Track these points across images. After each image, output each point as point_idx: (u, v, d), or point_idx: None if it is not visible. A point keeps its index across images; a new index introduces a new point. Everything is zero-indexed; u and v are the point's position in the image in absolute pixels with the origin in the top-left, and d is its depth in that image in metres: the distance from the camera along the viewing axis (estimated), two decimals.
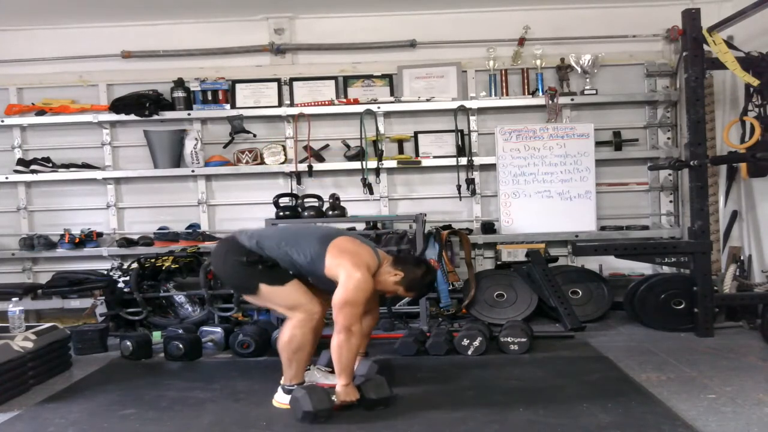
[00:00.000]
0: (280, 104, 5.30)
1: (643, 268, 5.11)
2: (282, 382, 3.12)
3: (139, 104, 5.13)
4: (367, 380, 3.02)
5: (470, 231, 5.18)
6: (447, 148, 5.28)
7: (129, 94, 5.20)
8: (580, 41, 5.23)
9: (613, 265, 5.09)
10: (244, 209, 5.35)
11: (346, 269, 2.94)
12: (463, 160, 5.19)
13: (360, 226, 5.01)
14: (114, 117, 5.23)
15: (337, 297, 2.91)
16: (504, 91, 5.28)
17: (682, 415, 2.79)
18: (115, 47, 5.31)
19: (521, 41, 5.22)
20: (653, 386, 3.17)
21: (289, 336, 3.00)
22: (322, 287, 3.13)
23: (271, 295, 3.04)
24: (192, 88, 5.26)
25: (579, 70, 5.15)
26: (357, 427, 2.80)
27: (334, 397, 2.90)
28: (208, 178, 5.38)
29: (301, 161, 5.21)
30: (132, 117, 5.17)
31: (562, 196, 5.15)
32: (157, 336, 4.31)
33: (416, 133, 5.32)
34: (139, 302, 4.69)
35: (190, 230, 5.22)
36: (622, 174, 5.34)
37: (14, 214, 5.40)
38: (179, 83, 5.23)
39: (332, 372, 3.39)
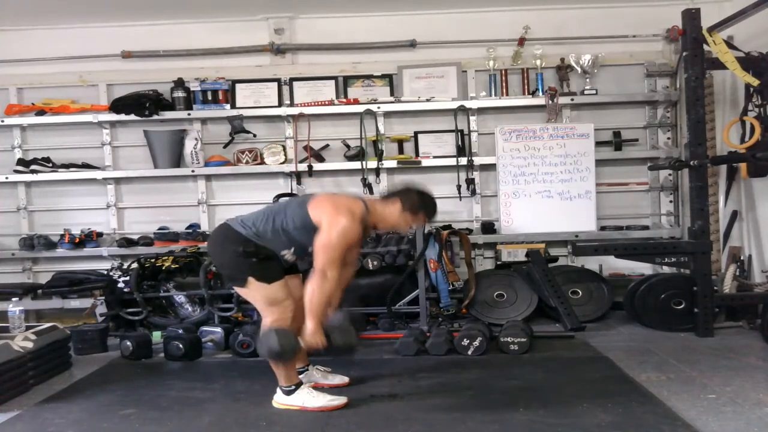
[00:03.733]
0: (280, 104, 5.30)
1: (643, 268, 5.10)
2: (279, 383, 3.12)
3: (139, 104, 5.13)
4: (335, 327, 2.99)
5: (470, 231, 5.18)
6: (447, 148, 5.28)
7: (129, 94, 5.20)
8: (580, 41, 5.22)
9: (613, 265, 5.08)
10: (244, 209, 5.24)
11: (328, 215, 2.96)
12: (463, 160, 5.19)
13: None
14: (114, 117, 5.23)
15: (318, 240, 2.92)
16: (504, 91, 5.28)
17: (682, 415, 2.79)
18: (115, 47, 5.31)
19: (521, 41, 5.22)
20: (653, 386, 3.17)
21: None
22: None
23: (256, 291, 3.02)
24: (192, 88, 5.26)
25: (579, 70, 5.15)
26: (357, 426, 2.80)
27: (301, 340, 2.91)
28: (208, 178, 5.38)
29: (301, 161, 5.21)
30: (132, 117, 5.17)
31: (562, 196, 5.15)
32: (157, 336, 4.31)
33: (416, 133, 5.32)
34: (139, 302, 4.69)
35: (190, 230, 5.22)
36: (622, 174, 5.34)
37: (14, 214, 5.40)
38: (179, 83, 5.23)
39: (331, 372, 3.41)
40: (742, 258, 4.84)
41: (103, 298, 4.78)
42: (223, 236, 3.12)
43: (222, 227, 3.18)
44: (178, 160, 5.27)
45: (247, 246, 3.00)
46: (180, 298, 4.86)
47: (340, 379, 3.36)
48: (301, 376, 3.16)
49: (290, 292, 3.07)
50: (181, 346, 3.95)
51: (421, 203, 3.17)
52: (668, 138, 5.29)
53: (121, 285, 4.75)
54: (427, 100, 5.18)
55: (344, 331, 2.99)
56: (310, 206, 3.04)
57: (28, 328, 3.64)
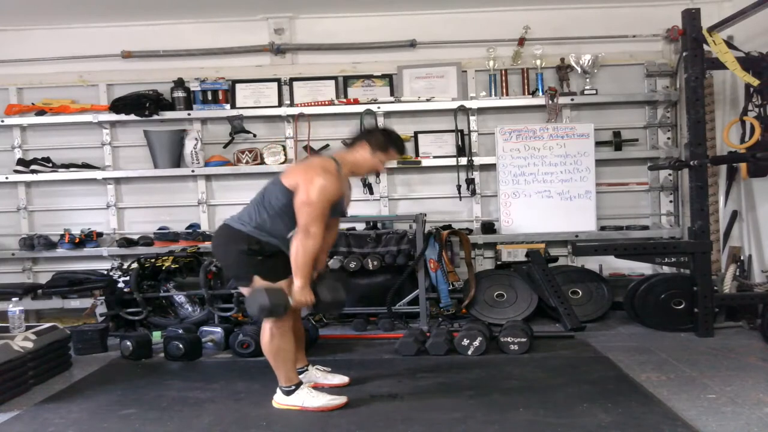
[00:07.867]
0: (280, 104, 5.30)
1: (643, 268, 5.11)
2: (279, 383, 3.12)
3: (139, 104, 5.13)
4: (322, 283, 3.03)
5: (470, 231, 5.18)
6: (447, 148, 5.28)
7: (129, 94, 5.20)
8: (580, 41, 5.23)
9: (613, 265, 5.08)
10: None
11: (302, 177, 2.95)
12: (463, 160, 5.19)
13: (360, 226, 5.01)
14: (114, 117, 5.23)
15: (297, 200, 2.92)
16: (504, 91, 5.28)
17: (682, 415, 2.79)
18: (115, 47, 5.31)
19: (521, 41, 5.22)
20: (653, 386, 3.17)
21: (268, 336, 3.00)
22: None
23: None
24: (192, 88, 5.26)
25: (579, 70, 5.15)
26: (357, 426, 2.80)
27: (290, 298, 2.92)
28: (208, 178, 5.38)
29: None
30: (132, 117, 5.17)
31: (562, 196, 5.15)
32: (157, 336, 4.31)
33: (416, 133, 5.32)
34: (139, 302, 4.69)
35: (190, 230, 5.22)
36: (622, 174, 5.34)
37: (14, 214, 5.40)
38: (179, 83, 5.23)
39: (331, 372, 3.41)
40: (742, 258, 4.84)
41: (103, 298, 4.78)
42: (225, 236, 3.10)
43: (223, 228, 3.15)
44: (178, 160, 5.27)
45: (251, 243, 2.98)
46: (180, 298, 4.86)
47: (340, 379, 3.36)
48: (301, 376, 3.16)
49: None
50: (181, 346, 3.94)
51: (388, 139, 3.18)
52: (668, 138, 5.29)
53: (121, 285, 4.75)
54: (427, 100, 5.18)
55: (332, 287, 3.01)
56: (284, 178, 3.02)
57: (28, 328, 3.64)
